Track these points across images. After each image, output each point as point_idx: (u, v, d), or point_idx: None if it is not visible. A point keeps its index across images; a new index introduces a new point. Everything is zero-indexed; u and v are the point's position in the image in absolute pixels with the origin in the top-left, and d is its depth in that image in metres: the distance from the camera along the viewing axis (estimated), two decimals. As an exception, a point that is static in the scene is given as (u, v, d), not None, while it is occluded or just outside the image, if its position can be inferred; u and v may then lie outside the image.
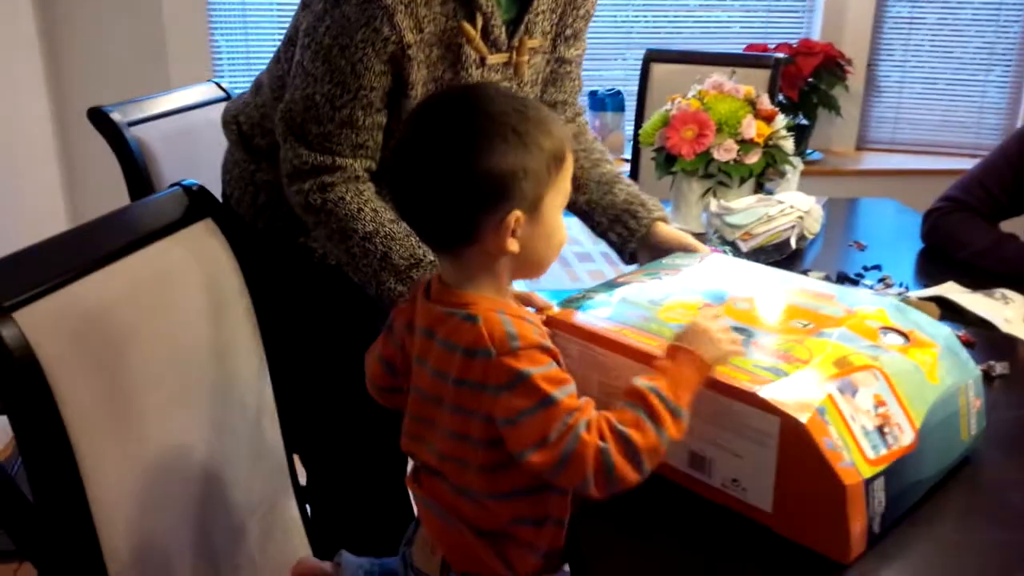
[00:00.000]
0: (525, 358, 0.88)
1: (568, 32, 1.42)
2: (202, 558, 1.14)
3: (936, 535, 0.96)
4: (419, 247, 1.23)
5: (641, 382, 0.91)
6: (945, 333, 1.06)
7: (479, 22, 1.23)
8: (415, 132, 0.93)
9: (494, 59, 1.28)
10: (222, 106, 1.93)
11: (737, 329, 1.01)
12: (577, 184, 1.45)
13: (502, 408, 0.89)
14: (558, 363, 0.91)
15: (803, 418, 0.89)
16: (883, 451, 0.93)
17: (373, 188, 1.28)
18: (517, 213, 0.90)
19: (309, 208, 1.26)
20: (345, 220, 1.23)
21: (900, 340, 1.02)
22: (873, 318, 1.04)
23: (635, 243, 1.43)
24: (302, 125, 1.25)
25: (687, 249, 1.37)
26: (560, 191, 0.94)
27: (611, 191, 1.46)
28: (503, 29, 1.28)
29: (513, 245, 0.91)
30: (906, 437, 0.95)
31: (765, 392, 0.91)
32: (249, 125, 1.43)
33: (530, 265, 0.97)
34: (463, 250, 0.93)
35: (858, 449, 0.93)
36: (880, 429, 0.94)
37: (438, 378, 0.94)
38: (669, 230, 1.42)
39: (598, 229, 1.49)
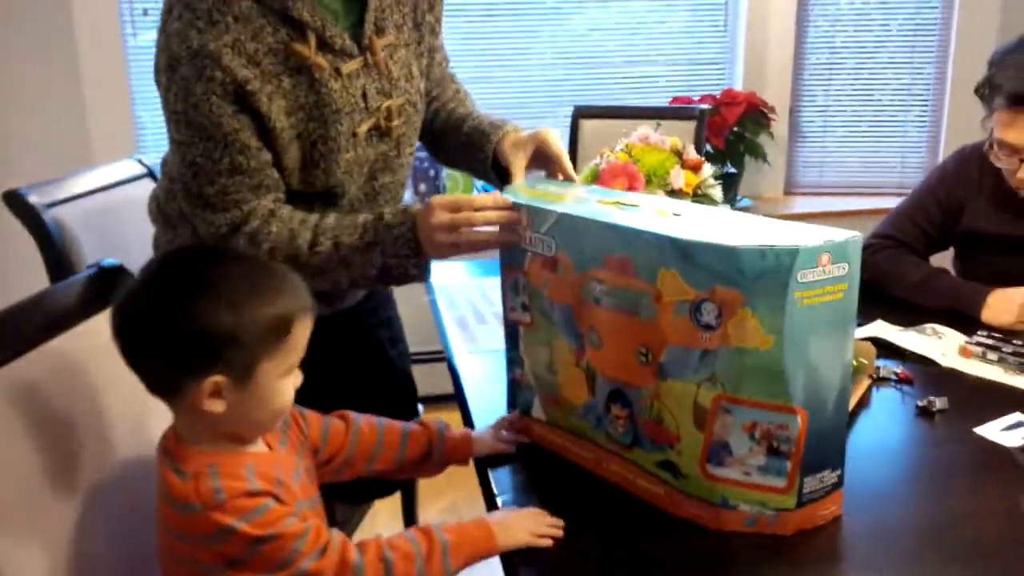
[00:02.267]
0: (232, 509, 0.91)
1: (430, 18, 1.42)
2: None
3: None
4: (359, 216, 1.26)
5: (437, 527, 0.99)
6: (738, 242, 0.92)
7: (312, 40, 1.23)
8: (142, 279, 0.98)
9: (348, 67, 1.28)
10: (144, 183, 1.90)
11: (614, 392, 1.07)
12: (443, 137, 1.51)
13: (223, 555, 0.92)
14: (276, 498, 0.93)
15: (721, 524, 1.01)
16: (787, 466, 0.98)
17: (290, 207, 1.29)
18: (217, 378, 0.93)
19: None
20: (287, 245, 1.25)
21: (714, 317, 0.94)
22: (675, 294, 0.97)
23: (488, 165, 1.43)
24: (199, 192, 1.26)
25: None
26: (282, 360, 0.96)
27: (460, 128, 1.48)
28: (346, 36, 1.28)
29: (214, 406, 0.94)
30: (795, 426, 0.96)
31: (684, 510, 1.03)
32: (164, 197, 1.43)
33: (245, 425, 0.99)
34: (171, 401, 0.98)
35: (770, 492, 0.99)
36: (771, 450, 0.97)
37: (162, 533, 0.99)
38: (503, 157, 1.39)
39: (463, 165, 1.52)
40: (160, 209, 1.44)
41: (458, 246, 1.20)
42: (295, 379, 1.01)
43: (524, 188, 1.24)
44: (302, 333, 0.98)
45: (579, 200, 1.14)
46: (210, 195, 1.25)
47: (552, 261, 1.10)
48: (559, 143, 1.37)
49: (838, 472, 1.02)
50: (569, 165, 1.36)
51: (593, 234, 1.05)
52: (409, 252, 1.23)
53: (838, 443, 1.01)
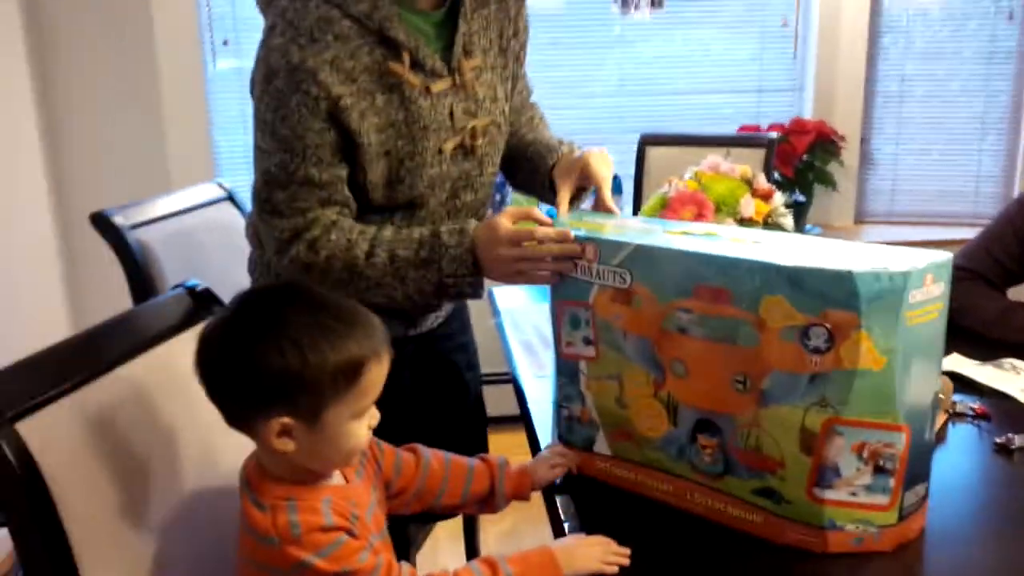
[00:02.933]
0: (308, 544, 0.92)
1: (515, 44, 1.46)
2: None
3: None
4: (416, 232, 1.29)
5: (501, 559, 0.98)
6: (851, 267, 0.94)
7: (406, 59, 1.28)
8: (224, 314, 1.00)
9: (437, 86, 1.32)
10: (223, 205, 1.96)
11: (702, 422, 1.07)
12: (513, 163, 1.55)
13: None
14: (350, 532, 0.95)
15: (829, 547, 1.01)
16: (891, 483, 1.00)
17: (351, 220, 1.33)
18: (285, 419, 0.94)
19: (309, 268, 1.30)
20: (345, 254, 1.28)
21: (823, 340, 0.96)
22: (781, 319, 0.98)
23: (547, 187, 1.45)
24: (268, 198, 1.31)
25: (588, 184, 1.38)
26: (352, 403, 0.96)
27: (524, 153, 1.53)
28: (437, 57, 1.32)
29: (283, 445, 0.95)
30: (900, 443, 0.98)
31: (786, 536, 1.04)
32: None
33: (317, 462, 0.99)
34: (247, 434, 0.99)
35: (874, 510, 1.00)
36: (877, 469, 0.99)
37: (241, 561, 1.00)
38: (564, 168, 1.41)
39: (530, 190, 1.55)
40: (254, 229, 1.48)
41: (519, 277, 1.23)
42: (369, 419, 1.00)
43: (571, 220, 1.25)
44: (374, 377, 0.97)
45: (639, 231, 1.15)
46: (279, 201, 1.29)
47: (626, 293, 1.11)
48: (602, 168, 1.36)
49: (927, 484, 1.05)
50: (608, 194, 1.34)
51: (678, 264, 1.06)
52: (466, 272, 1.26)
53: (928, 455, 1.05)
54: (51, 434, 0.93)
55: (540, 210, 1.29)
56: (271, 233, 1.32)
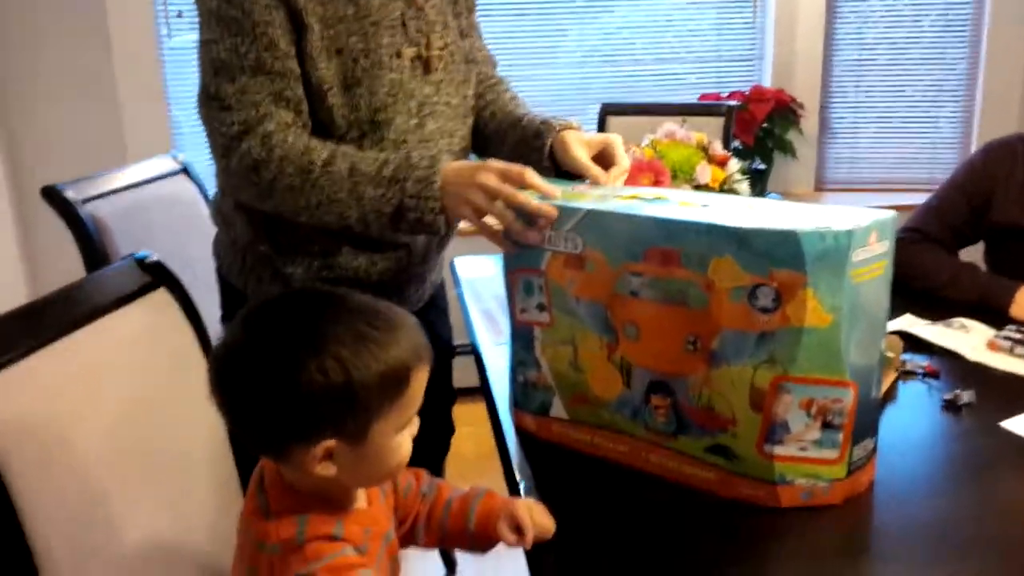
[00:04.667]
0: (310, 552, 0.86)
1: (464, 17, 1.44)
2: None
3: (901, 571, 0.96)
4: (384, 154, 1.24)
5: None
6: (796, 227, 0.95)
7: None
8: (241, 332, 0.88)
9: None
10: (177, 179, 1.95)
11: (655, 383, 1.08)
12: (495, 136, 1.49)
13: None
14: (358, 549, 0.89)
15: (780, 501, 1.03)
16: (840, 438, 1.02)
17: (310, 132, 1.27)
18: (329, 443, 0.85)
19: (259, 165, 1.23)
20: (300, 156, 1.23)
21: (771, 299, 0.97)
22: (729, 280, 0.99)
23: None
24: (216, 93, 1.25)
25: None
26: (398, 415, 0.88)
27: (516, 125, 1.46)
28: None
29: (325, 470, 0.86)
30: (847, 399, 1.01)
31: (738, 491, 1.05)
32: (219, 196, 1.44)
33: (357, 482, 0.93)
34: (279, 461, 0.91)
35: (824, 464, 1.03)
36: (825, 424, 1.01)
37: (237, 558, 0.95)
38: (567, 148, 1.36)
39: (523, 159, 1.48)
40: (218, 208, 1.45)
41: (481, 213, 1.16)
42: (412, 429, 0.92)
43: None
44: (419, 383, 0.89)
45: (591, 197, 1.15)
46: (228, 94, 1.23)
47: (579, 259, 1.11)
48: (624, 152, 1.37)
49: (875, 439, 1.08)
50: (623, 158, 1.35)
51: (628, 229, 1.06)
52: (431, 196, 1.19)
53: (876, 411, 1.08)
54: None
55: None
56: (218, 131, 1.25)
